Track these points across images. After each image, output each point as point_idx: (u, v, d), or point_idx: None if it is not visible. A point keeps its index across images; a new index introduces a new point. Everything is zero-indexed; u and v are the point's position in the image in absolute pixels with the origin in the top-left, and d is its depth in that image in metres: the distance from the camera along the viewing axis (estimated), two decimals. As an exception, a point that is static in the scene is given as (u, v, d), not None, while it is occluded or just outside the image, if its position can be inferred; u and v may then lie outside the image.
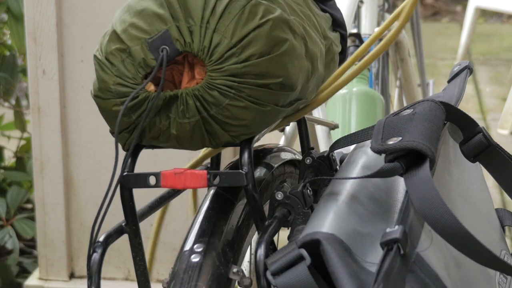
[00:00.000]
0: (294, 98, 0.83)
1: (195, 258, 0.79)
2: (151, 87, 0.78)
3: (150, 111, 0.78)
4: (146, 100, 0.78)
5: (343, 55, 0.98)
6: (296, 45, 0.80)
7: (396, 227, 0.71)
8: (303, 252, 0.70)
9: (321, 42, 0.89)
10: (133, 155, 0.81)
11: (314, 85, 0.88)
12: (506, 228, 0.99)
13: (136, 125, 0.79)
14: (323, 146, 1.38)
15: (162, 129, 0.79)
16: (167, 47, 0.77)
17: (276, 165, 0.95)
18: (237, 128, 0.79)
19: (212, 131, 0.79)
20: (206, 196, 0.87)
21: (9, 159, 2.43)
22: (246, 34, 0.77)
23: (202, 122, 0.78)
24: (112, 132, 0.81)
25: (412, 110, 0.82)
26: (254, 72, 0.77)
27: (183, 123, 0.78)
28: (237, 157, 0.83)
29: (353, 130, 1.36)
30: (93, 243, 0.79)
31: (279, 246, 0.77)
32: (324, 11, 0.95)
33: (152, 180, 0.79)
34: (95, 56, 0.81)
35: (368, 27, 1.75)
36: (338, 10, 0.97)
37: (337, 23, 0.96)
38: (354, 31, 1.68)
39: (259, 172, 0.92)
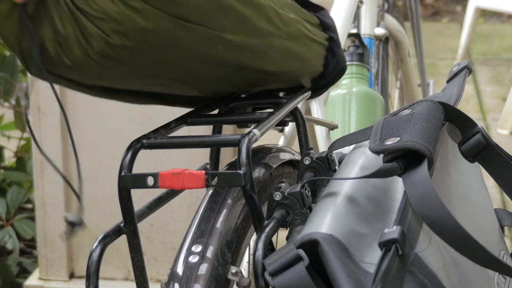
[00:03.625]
0: None
1: (193, 259, 0.79)
2: None
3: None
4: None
5: (336, 58, 0.97)
6: None
7: (395, 227, 0.71)
8: (301, 252, 0.70)
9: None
10: (131, 155, 0.81)
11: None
12: (506, 228, 0.99)
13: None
14: (322, 147, 1.38)
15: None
16: None
17: (274, 166, 0.95)
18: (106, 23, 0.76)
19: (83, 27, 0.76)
20: (204, 196, 0.87)
21: (9, 159, 2.43)
22: None
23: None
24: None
25: (411, 110, 0.82)
26: None
27: None
28: (236, 157, 0.83)
29: (352, 131, 1.36)
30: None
31: (278, 247, 0.77)
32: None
33: (150, 180, 0.79)
34: None
35: (367, 27, 1.75)
36: (330, 18, 0.97)
37: (327, 26, 0.96)
38: (354, 31, 1.67)
39: (258, 172, 0.92)
